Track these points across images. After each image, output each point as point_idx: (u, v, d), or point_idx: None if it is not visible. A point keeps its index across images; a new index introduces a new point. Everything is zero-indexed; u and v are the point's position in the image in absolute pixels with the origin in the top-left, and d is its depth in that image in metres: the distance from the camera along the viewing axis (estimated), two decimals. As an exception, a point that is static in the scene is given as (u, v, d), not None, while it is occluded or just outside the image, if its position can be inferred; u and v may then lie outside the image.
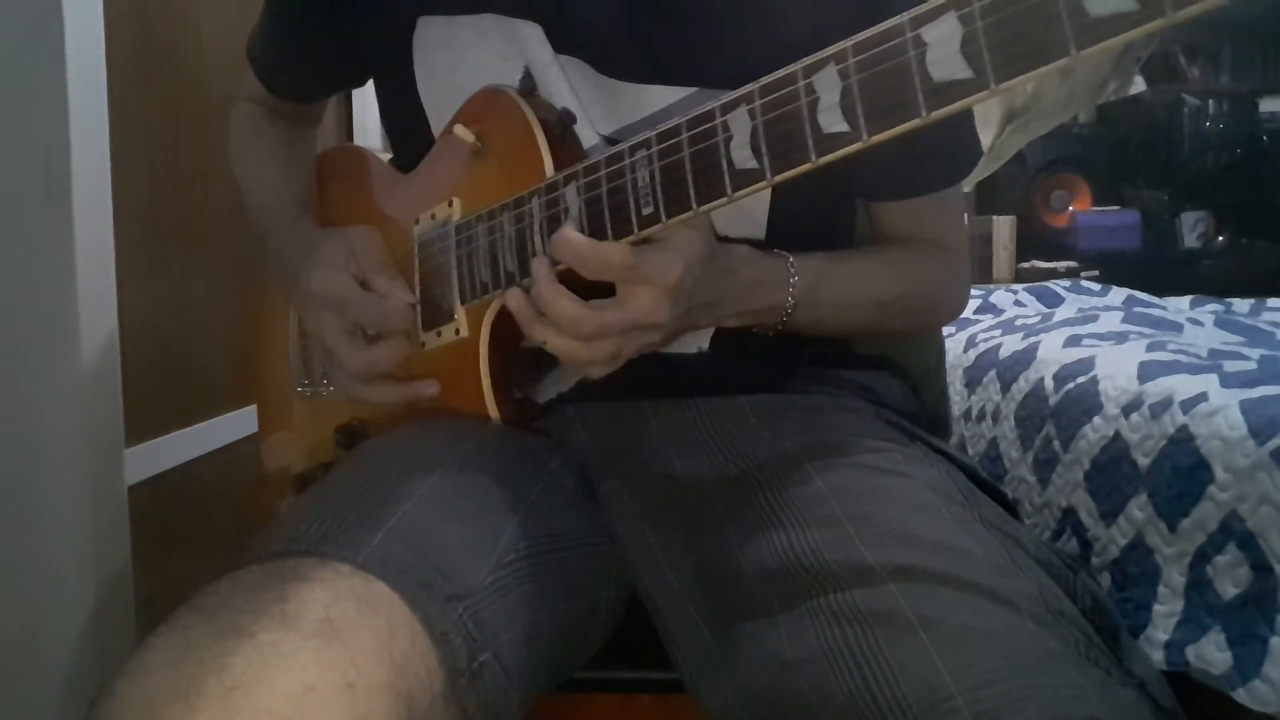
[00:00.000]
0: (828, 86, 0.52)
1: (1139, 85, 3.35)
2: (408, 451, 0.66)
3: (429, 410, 0.76)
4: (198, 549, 1.17)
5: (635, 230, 0.62)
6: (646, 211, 0.61)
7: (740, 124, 0.56)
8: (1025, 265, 3.66)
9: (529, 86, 0.75)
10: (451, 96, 0.79)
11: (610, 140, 0.76)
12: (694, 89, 0.74)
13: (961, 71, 0.46)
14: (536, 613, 0.61)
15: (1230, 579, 0.96)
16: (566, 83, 0.76)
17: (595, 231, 0.64)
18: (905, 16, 0.49)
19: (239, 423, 1.22)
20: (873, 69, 0.50)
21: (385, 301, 0.75)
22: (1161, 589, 1.03)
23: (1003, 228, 3.54)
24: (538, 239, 0.67)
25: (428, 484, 0.61)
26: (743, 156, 0.56)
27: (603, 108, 0.76)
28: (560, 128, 0.71)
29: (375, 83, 0.90)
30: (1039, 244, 3.75)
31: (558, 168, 0.68)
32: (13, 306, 0.96)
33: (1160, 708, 0.54)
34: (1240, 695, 0.91)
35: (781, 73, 0.54)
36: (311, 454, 0.88)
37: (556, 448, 0.76)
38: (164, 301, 1.14)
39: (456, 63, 0.79)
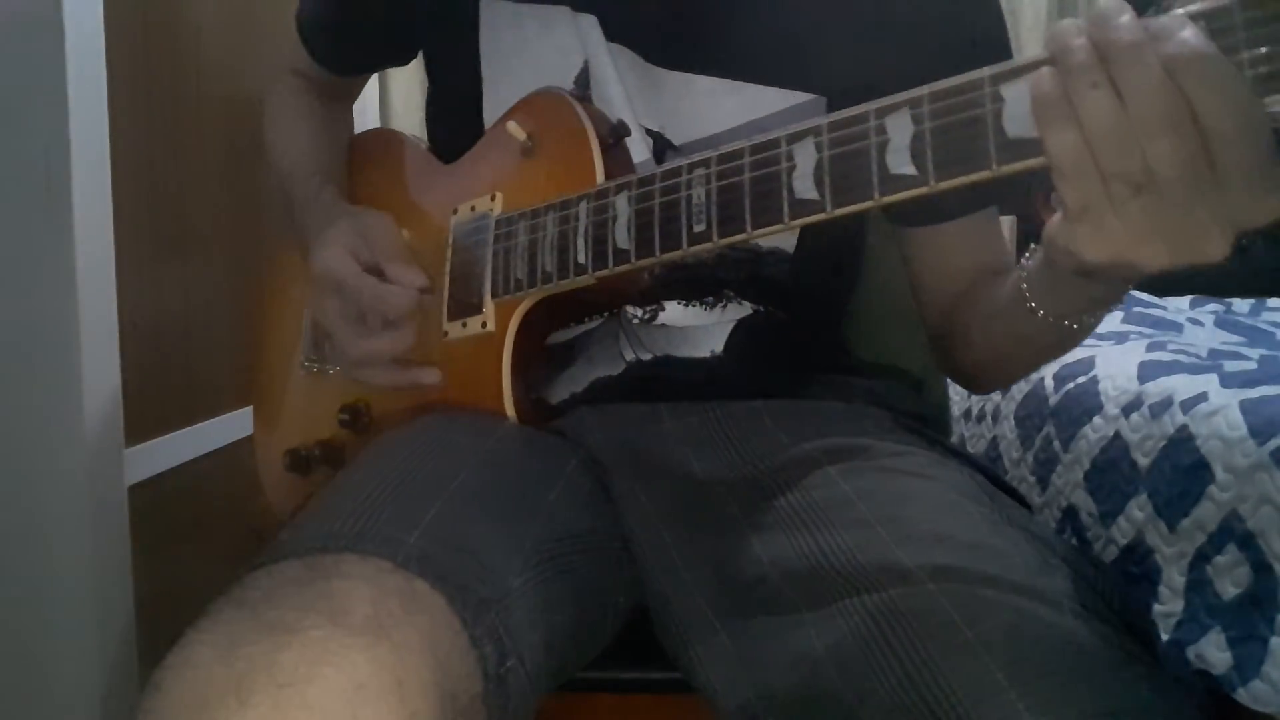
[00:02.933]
0: (899, 129, 0.52)
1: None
2: (432, 448, 0.65)
3: (442, 401, 0.76)
4: (198, 549, 1.17)
5: (684, 246, 0.62)
6: (698, 229, 0.61)
7: (805, 155, 0.56)
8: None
9: (584, 92, 0.76)
10: (511, 80, 0.79)
11: (652, 134, 0.76)
12: (739, 82, 0.74)
13: (1035, 131, 0.47)
14: (555, 616, 0.60)
15: (1230, 579, 0.96)
16: (615, 71, 0.76)
17: (642, 242, 0.63)
18: (985, 72, 0.49)
19: (239, 423, 1.22)
20: (948, 118, 0.50)
21: (385, 289, 0.74)
22: (1161, 589, 1.03)
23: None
24: (580, 242, 0.67)
25: (455, 483, 0.61)
26: (804, 187, 0.56)
27: (648, 98, 0.77)
28: (614, 139, 0.71)
29: (430, 60, 0.89)
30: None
31: (607, 178, 0.68)
32: (13, 306, 0.96)
33: (1200, 704, 0.54)
34: (1240, 695, 0.91)
35: (853, 111, 0.54)
36: (309, 429, 0.87)
37: (573, 449, 0.75)
38: (164, 301, 1.14)
39: (520, 47, 0.79)
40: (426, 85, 0.92)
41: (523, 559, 0.59)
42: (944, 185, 0.50)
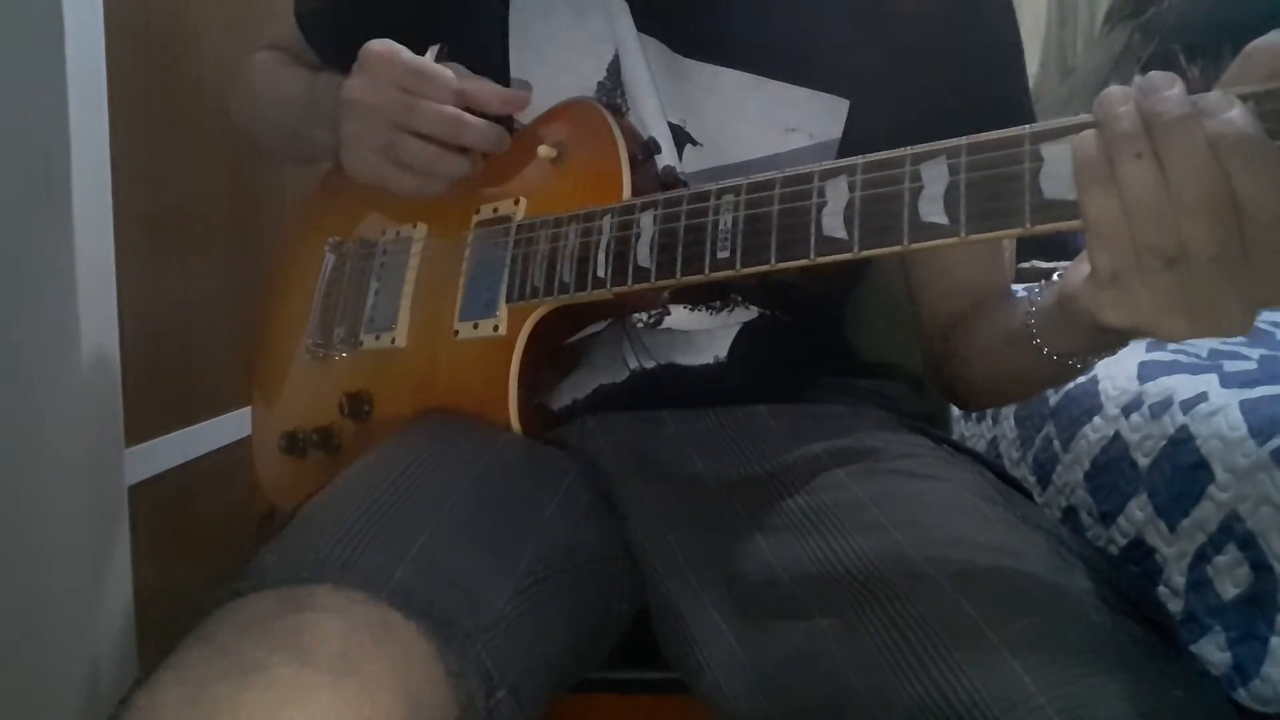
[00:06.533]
0: (935, 178, 0.51)
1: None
2: (426, 466, 0.64)
3: (444, 401, 0.75)
4: (198, 549, 1.17)
5: (706, 271, 0.61)
6: (722, 255, 0.60)
7: (837, 193, 0.55)
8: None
9: (615, 82, 0.76)
10: (543, 69, 0.78)
11: (673, 127, 0.76)
12: (763, 78, 0.74)
13: (1073, 194, 0.46)
14: (552, 634, 0.60)
15: (1230, 579, 0.96)
16: (644, 60, 0.76)
17: (664, 262, 0.63)
18: (1027, 129, 0.48)
19: (239, 423, 1.22)
20: (985, 171, 0.50)
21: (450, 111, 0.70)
22: (1161, 589, 1.03)
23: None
24: (601, 256, 0.66)
25: (448, 505, 0.60)
26: (833, 225, 0.55)
27: (674, 90, 0.76)
28: (644, 155, 0.71)
29: (453, 51, 0.88)
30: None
31: (634, 194, 0.68)
32: (13, 306, 0.96)
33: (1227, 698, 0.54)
34: (1240, 695, 0.91)
35: (889, 154, 0.54)
36: (308, 414, 0.86)
37: (571, 459, 0.74)
38: (164, 301, 1.14)
39: (552, 35, 0.78)
40: None
41: (514, 584, 0.58)
42: (974, 238, 0.50)
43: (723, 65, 0.75)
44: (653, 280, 0.64)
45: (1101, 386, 1.24)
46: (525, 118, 0.79)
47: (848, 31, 0.75)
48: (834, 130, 0.74)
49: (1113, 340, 0.59)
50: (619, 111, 0.75)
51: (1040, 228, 0.48)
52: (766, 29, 0.75)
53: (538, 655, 0.58)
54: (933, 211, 0.51)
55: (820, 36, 0.75)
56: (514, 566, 0.60)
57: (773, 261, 0.58)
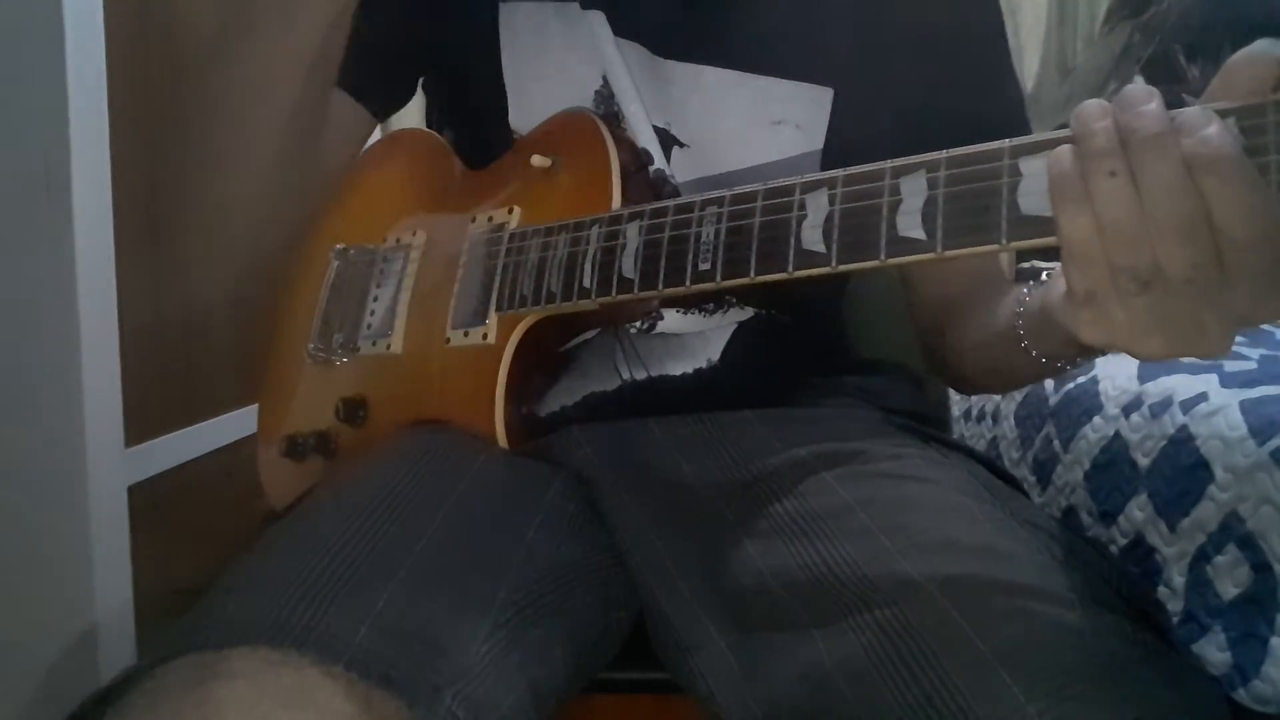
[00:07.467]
0: (913, 191, 0.51)
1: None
2: (397, 502, 0.62)
3: (435, 409, 0.75)
4: (198, 549, 1.17)
5: (687, 283, 0.61)
6: (703, 267, 0.61)
7: (817, 206, 0.56)
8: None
9: (610, 90, 0.76)
10: (538, 84, 0.78)
11: (659, 130, 0.76)
12: (746, 73, 0.74)
13: (1050, 210, 0.46)
14: (542, 659, 0.59)
15: (1230, 579, 0.96)
16: (625, 67, 0.76)
17: (647, 273, 0.64)
18: (1006, 143, 0.48)
19: (239, 423, 1.22)
20: (962, 185, 0.49)
21: None
22: (1161, 589, 1.03)
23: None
24: (587, 266, 0.67)
25: (419, 547, 0.58)
26: (812, 238, 0.56)
27: (657, 92, 0.76)
28: (636, 166, 0.72)
29: (448, 77, 0.87)
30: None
31: (625, 203, 0.68)
32: (13, 306, 0.96)
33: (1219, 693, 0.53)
34: (1240, 695, 0.91)
35: (869, 167, 0.54)
36: (308, 418, 0.87)
37: (555, 472, 0.73)
38: (164, 301, 1.14)
39: (544, 48, 0.79)
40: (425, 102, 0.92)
41: (491, 620, 0.57)
42: (950, 254, 0.50)
43: (703, 64, 0.75)
44: (636, 291, 0.64)
45: (1101, 386, 1.24)
46: (524, 128, 0.80)
47: (827, 22, 0.75)
48: (820, 120, 0.74)
49: (1097, 350, 0.59)
50: (615, 120, 0.76)
51: (1016, 244, 0.47)
52: (744, 25, 0.75)
53: (527, 684, 0.57)
54: (910, 226, 0.51)
55: (799, 28, 0.75)
56: (489, 602, 0.58)
57: (752, 275, 0.58)
